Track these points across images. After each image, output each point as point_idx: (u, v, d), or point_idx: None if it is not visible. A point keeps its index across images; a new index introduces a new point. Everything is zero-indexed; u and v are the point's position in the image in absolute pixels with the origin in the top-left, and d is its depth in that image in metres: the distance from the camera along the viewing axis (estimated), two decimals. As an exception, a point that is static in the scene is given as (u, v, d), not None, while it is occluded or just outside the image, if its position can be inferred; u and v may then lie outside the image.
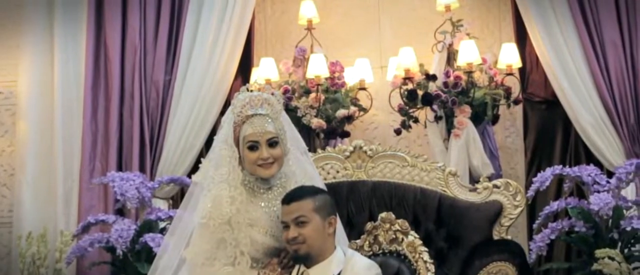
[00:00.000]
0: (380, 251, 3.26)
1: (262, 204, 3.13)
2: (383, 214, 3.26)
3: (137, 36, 5.00)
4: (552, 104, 5.11)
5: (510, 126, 5.38)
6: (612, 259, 3.63)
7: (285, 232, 3.03)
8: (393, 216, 3.24)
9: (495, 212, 4.13)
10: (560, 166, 4.13)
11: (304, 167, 3.25)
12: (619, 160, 4.64)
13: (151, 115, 4.97)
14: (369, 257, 3.25)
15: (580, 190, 4.48)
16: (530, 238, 5.12)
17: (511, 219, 4.13)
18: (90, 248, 4.40)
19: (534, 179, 4.12)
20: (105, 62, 5.05)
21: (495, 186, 4.14)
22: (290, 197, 3.03)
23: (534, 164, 5.22)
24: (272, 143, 3.12)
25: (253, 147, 3.10)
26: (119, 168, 4.92)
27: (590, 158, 4.87)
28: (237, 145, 3.12)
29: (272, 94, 3.21)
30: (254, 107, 3.12)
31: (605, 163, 4.67)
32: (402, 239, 3.21)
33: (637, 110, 4.66)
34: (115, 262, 4.47)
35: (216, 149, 3.17)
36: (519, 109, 5.28)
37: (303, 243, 2.99)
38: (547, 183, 4.06)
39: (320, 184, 3.28)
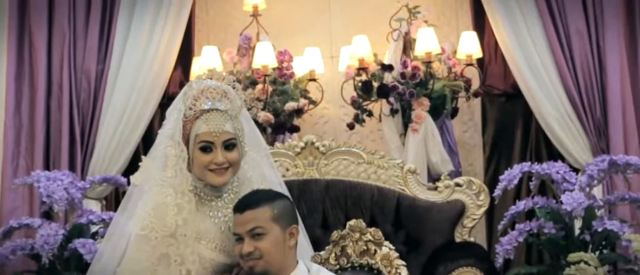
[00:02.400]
0: (349, 265, 2.84)
1: (211, 214, 2.74)
2: (352, 222, 2.85)
3: (66, 21, 4.69)
4: (512, 97, 4.95)
5: (468, 120, 5.18)
6: (588, 263, 3.37)
7: (239, 245, 2.63)
8: (363, 224, 2.84)
9: (458, 212, 3.98)
10: (529, 163, 3.89)
11: (262, 171, 2.86)
12: (585, 156, 4.45)
13: (82, 108, 4.69)
14: (336, 272, 2.85)
15: (541, 188, 4.25)
16: (489, 240, 4.91)
17: (474, 219, 4.00)
18: (13, 256, 4.08)
19: (501, 177, 3.86)
20: (30, 50, 4.72)
21: (458, 184, 4.06)
22: (244, 205, 2.63)
23: (493, 160, 5.06)
24: (229, 145, 2.72)
25: (206, 148, 2.70)
26: (46, 166, 4.62)
27: (552, 154, 4.71)
28: (187, 143, 2.71)
29: (234, 87, 2.78)
30: (211, 101, 2.70)
31: (570, 159, 4.46)
32: (375, 251, 2.82)
33: (603, 103, 4.48)
34: (41, 271, 4.13)
35: (160, 146, 2.75)
36: (477, 103, 5.10)
37: (260, 258, 2.59)
38: (515, 181, 3.81)
39: (283, 190, 2.90)
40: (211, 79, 2.76)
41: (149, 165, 2.73)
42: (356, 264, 2.80)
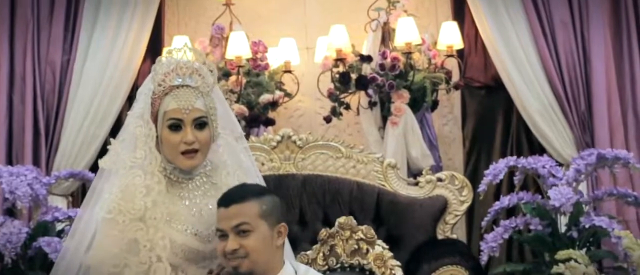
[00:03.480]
0: (339, 265, 2.66)
1: (181, 195, 2.57)
2: (341, 219, 2.66)
3: (29, 9, 4.54)
4: (492, 89, 4.83)
5: (448, 113, 5.06)
6: (578, 261, 3.24)
7: (222, 242, 2.44)
8: (354, 221, 2.65)
9: (440, 208, 3.91)
10: (514, 157, 3.76)
11: (238, 157, 2.68)
12: (569, 150, 4.36)
13: (46, 101, 4.54)
14: (325, 272, 2.69)
15: (523, 184, 4.13)
16: (469, 237, 4.79)
17: (457, 216, 3.97)
18: None
19: (486, 172, 3.73)
20: None
21: (439, 179, 4.00)
22: (230, 199, 2.44)
23: (473, 155, 4.94)
24: (200, 124, 2.54)
25: (175, 126, 2.52)
26: (9, 161, 4.46)
27: (533, 148, 4.61)
28: (155, 122, 2.54)
29: (204, 62, 2.61)
30: (181, 77, 2.52)
31: (554, 153, 4.35)
32: (367, 250, 2.63)
33: (588, 95, 4.38)
34: (4, 271, 3.92)
35: (130, 126, 2.58)
36: (456, 95, 4.97)
37: (245, 257, 2.39)
38: (501, 176, 3.68)
39: (259, 180, 2.72)
40: (182, 51, 2.58)
41: (118, 148, 2.56)
42: (346, 264, 2.60)
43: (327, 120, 4.68)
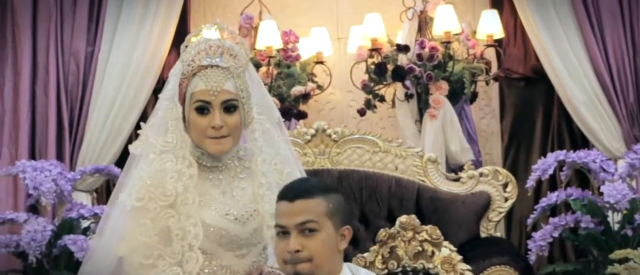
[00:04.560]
0: (400, 269, 2.41)
1: (211, 177, 2.39)
2: (403, 219, 2.44)
3: None
4: (532, 81, 4.66)
5: (485, 106, 4.87)
6: (636, 261, 3.06)
7: (281, 240, 2.18)
8: (417, 221, 2.43)
9: (483, 205, 3.80)
10: (564, 151, 3.60)
11: (276, 144, 2.47)
12: (616, 144, 4.18)
13: (70, 93, 4.40)
14: (385, 278, 2.50)
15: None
16: (507, 235, 4.62)
17: (500, 212, 3.88)
18: None
19: (534, 167, 3.56)
20: (13, 29, 4.41)
21: (482, 175, 3.82)
22: (295, 192, 2.18)
23: (512, 149, 4.75)
24: (229, 107, 2.35)
25: (202, 109, 2.34)
26: (32, 156, 4.33)
27: (575, 142, 4.44)
28: (183, 104, 2.37)
29: (238, 42, 2.40)
30: (211, 56, 2.34)
31: (600, 148, 4.14)
32: (433, 253, 2.41)
33: (637, 87, 4.18)
34: (28, 270, 3.87)
35: (160, 110, 2.40)
36: (494, 88, 4.79)
37: (308, 261, 2.14)
38: (551, 171, 3.51)
39: (299, 170, 2.52)
40: (213, 29, 2.40)
41: (148, 132, 2.38)
42: (409, 268, 2.37)
43: (361, 113, 4.51)
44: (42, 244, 3.69)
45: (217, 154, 2.36)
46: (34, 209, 4.16)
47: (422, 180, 3.83)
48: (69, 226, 3.83)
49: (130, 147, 2.41)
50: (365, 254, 2.41)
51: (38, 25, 4.38)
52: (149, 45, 4.40)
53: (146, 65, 4.40)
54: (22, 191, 4.23)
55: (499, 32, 4.41)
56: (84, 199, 4.26)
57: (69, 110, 4.38)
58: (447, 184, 3.84)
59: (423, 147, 4.22)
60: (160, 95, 2.45)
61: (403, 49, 4.22)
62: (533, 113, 4.67)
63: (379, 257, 2.39)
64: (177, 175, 2.31)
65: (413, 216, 2.44)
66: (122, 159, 4.39)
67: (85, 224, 3.94)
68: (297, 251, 2.12)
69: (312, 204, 2.15)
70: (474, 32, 4.45)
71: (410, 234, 2.37)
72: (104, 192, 4.58)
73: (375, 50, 4.31)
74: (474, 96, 4.47)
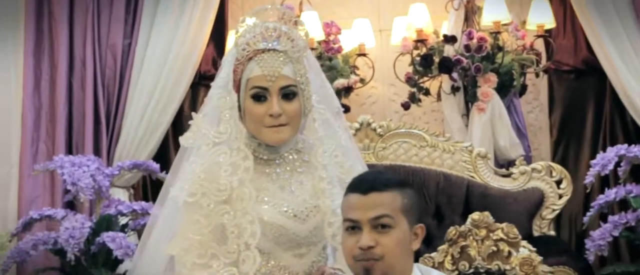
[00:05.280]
0: (472, 270, 2.25)
1: (268, 171, 2.23)
2: (475, 216, 2.27)
3: None
4: (583, 73, 4.51)
5: (533, 100, 4.71)
6: None
7: (351, 236, 2.00)
8: (491, 218, 2.27)
9: (536, 202, 3.73)
10: (625, 145, 3.43)
11: (336, 135, 2.30)
12: (675, 139, 3.95)
13: (107, 87, 4.31)
14: (457, 280, 2.34)
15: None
16: (557, 233, 4.44)
17: (554, 210, 3.85)
18: (34, 251, 3.74)
19: (593, 162, 3.40)
20: (49, 21, 4.32)
21: (535, 170, 3.67)
22: (370, 184, 2.00)
23: (561, 144, 4.60)
24: (288, 94, 2.19)
25: (259, 96, 2.18)
26: (69, 151, 4.24)
27: (629, 137, 4.25)
28: (238, 91, 2.21)
29: (295, 22, 2.24)
30: (267, 40, 2.18)
31: (657, 143, 3.94)
32: (510, 253, 2.23)
33: (698, 79, 3.98)
34: (66, 269, 3.81)
35: (213, 98, 2.25)
36: (543, 80, 4.63)
37: (380, 259, 1.95)
38: (611, 166, 3.35)
39: (361, 163, 2.36)
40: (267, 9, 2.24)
41: (200, 123, 2.23)
42: (482, 270, 2.19)
43: (405, 107, 4.36)
44: (81, 241, 3.59)
45: (276, 143, 2.21)
46: (71, 205, 4.09)
47: (472, 176, 3.74)
48: (107, 223, 3.75)
49: (181, 139, 2.26)
50: (433, 254, 2.24)
51: (75, 18, 4.30)
52: (187, 37, 4.29)
53: (184, 57, 4.29)
54: (59, 187, 4.16)
55: (550, 22, 4.24)
56: (121, 195, 4.17)
57: (106, 104, 4.29)
58: (497, 180, 3.77)
59: (471, 142, 4.06)
60: (212, 84, 2.29)
61: (450, 39, 4.07)
62: (583, 106, 4.52)
63: (449, 257, 2.22)
64: (232, 169, 2.16)
65: (487, 213, 2.27)
66: (159, 155, 4.34)
67: (123, 220, 3.86)
68: (370, 247, 1.95)
69: (387, 198, 1.98)
70: (524, 22, 4.28)
71: (483, 232, 2.19)
72: (140, 188, 4.50)
73: (420, 41, 4.16)
74: (523, 89, 4.30)
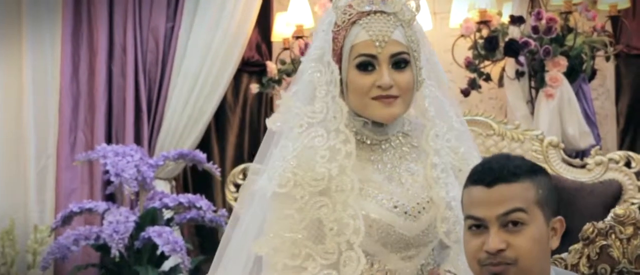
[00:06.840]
0: (615, 274, 1.98)
1: (372, 159, 1.92)
2: (619, 210, 1.97)
3: None
4: (654, 58, 4.27)
5: (599, 86, 4.46)
6: None
7: (475, 237, 1.69)
8: (638, 213, 1.98)
9: (613, 195, 3.53)
10: None
11: (447, 115, 1.98)
12: None
13: (149, 73, 4.22)
14: (595, 284, 2.03)
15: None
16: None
17: (634, 203, 3.47)
18: (75, 246, 3.59)
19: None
20: (88, 5, 4.24)
21: (612, 161, 3.44)
22: (495, 174, 1.67)
23: (629, 133, 4.37)
24: (399, 62, 1.86)
25: (366, 64, 1.86)
26: (108, 140, 4.13)
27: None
28: (339, 62, 1.90)
29: None
30: (373, 3, 1.87)
31: None
32: None
33: None
34: (108, 265, 3.68)
35: (305, 74, 1.94)
36: (610, 66, 4.37)
37: (512, 264, 1.65)
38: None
39: (474, 149, 2.03)
40: None
41: (290, 103, 1.92)
42: (627, 272, 1.90)
43: (465, 93, 4.10)
44: (125, 236, 3.43)
45: (386, 120, 1.89)
46: (112, 197, 3.94)
47: (543, 167, 3.45)
48: (151, 216, 3.59)
49: (268, 121, 1.95)
50: (564, 255, 1.96)
51: (115, 1, 4.19)
52: (233, 20, 4.14)
53: (230, 42, 4.15)
54: (99, 178, 4.05)
55: (624, 1, 3.97)
56: (163, 187, 4.04)
57: (147, 92, 4.18)
58: (571, 171, 3.57)
59: (541, 130, 3.82)
60: (302, 58, 1.99)
61: (517, 20, 3.80)
62: (654, 94, 4.30)
63: (584, 259, 1.91)
64: (330, 154, 1.85)
65: (634, 208, 1.95)
66: (202, 144, 4.20)
67: (168, 214, 3.70)
68: (500, 251, 1.65)
69: (518, 190, 1.66)
70: (594, 2, 4.02)
71: (630, 230, 1.88)
72: (182, 180, 4.36)
73: (484, 22, 3.90)
74: (593, 73, 4.04)
